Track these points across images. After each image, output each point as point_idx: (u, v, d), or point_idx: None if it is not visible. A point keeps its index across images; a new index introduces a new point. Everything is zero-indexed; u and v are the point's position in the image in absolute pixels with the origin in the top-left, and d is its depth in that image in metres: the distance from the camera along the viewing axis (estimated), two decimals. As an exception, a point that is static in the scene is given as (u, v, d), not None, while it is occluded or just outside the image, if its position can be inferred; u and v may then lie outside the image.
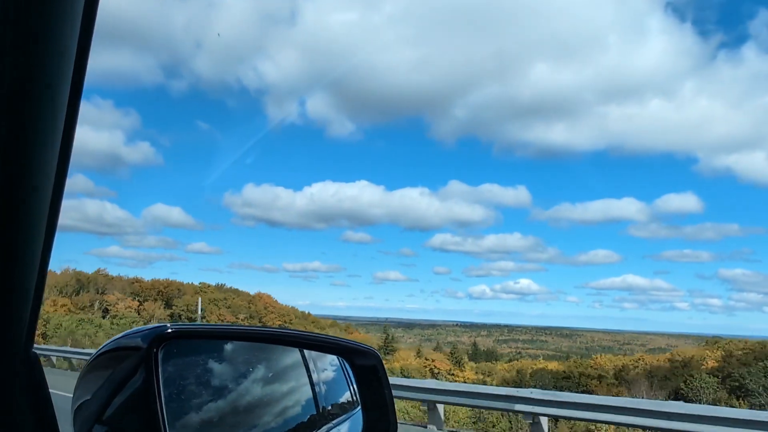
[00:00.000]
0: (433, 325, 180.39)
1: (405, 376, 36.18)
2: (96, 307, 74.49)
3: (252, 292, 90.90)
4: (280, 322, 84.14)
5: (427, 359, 77.21)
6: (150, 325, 1.40)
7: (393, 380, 10.25)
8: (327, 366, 1.86)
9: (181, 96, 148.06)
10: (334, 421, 1.83)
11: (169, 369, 1.38)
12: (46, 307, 63.95)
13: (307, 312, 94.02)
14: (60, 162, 0.67)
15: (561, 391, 21.90)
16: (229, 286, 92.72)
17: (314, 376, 1.79)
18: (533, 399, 11.38)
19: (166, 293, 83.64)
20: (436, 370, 70.84)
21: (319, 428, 1.76)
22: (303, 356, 1.78)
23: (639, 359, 75.31)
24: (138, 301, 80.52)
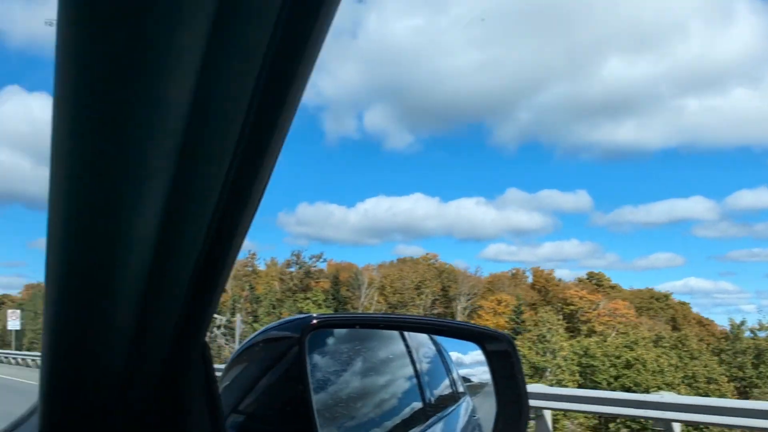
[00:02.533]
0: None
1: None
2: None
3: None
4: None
5: None
6: (295, 316, 1.45)
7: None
8: (428, 352, 1.93)
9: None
10: (444, 411, 1.89)
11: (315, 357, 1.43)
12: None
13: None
14: (261, 152, 0.62)
15: None
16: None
17: (417, 366, 1.85)
18: None
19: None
20: None
21: (431, 416, 1.81)
22: (406, 344, 1.84)
23: None
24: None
